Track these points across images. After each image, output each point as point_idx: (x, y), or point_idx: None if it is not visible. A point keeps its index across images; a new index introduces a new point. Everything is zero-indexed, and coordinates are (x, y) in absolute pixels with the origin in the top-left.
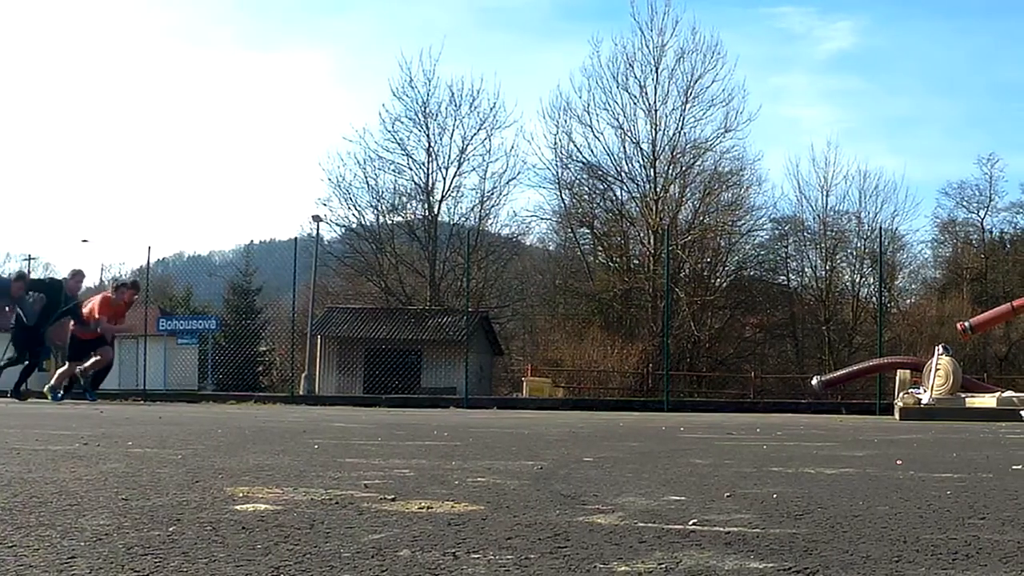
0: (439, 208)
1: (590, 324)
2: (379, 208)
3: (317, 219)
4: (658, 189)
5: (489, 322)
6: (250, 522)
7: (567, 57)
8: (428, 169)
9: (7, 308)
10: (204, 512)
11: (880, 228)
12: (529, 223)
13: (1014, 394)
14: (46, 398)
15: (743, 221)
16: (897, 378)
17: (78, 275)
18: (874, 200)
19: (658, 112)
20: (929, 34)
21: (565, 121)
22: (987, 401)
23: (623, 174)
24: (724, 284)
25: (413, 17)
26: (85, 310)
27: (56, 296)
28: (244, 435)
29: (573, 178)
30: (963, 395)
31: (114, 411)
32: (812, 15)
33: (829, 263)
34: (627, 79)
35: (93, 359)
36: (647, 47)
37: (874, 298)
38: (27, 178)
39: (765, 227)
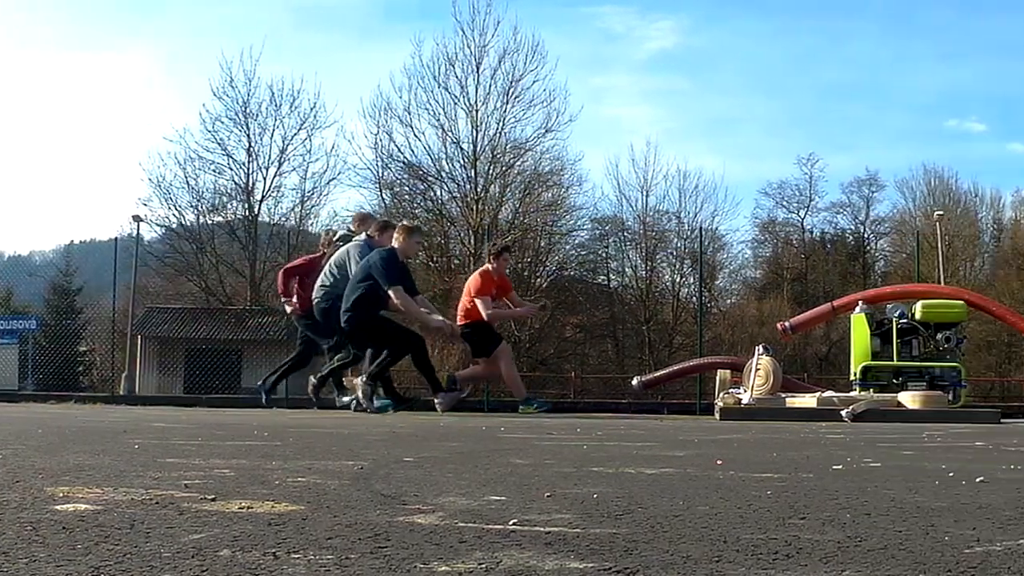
0: (259, 208)
1: (411, 324)
2: (199, 208)
3: (137, 219)
4: (478, 189)
5: None
6: (70, 522)
7: (388, 57)
8: (248, 169)
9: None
10: (24, 512)
11: (700, 228)
12: (350, 223)
13: (834, 394)
14: (527, 411)
15: (563, 221)
16: (717, 378)
17: (387, 226)
18: (694, 200)
19: (479, 112)
20: (750, 34)
21: (386, 121)
22: (807, 401)
23: (444, 174)
24: (544, 284)
25: (233, 17)
26: (464, 294)
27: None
28: (64, 435)
29: (394, 178)
30: (783, 395)
31: None
32: (632, 15)
33: (649, 263)
34: (448, 79)
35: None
36: (468, 47)
37: (694, 298)
38: None
39: (585, 227)
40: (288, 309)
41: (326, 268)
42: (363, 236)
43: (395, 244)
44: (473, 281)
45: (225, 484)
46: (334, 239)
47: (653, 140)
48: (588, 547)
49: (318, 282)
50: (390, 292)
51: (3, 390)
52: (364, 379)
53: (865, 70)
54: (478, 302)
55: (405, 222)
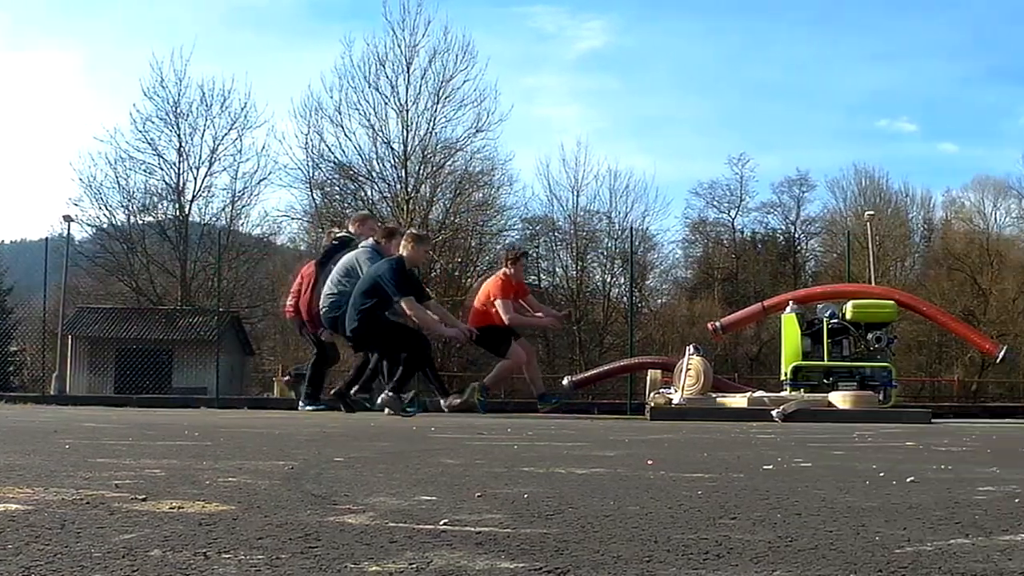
0: (190, 208)
1: None
2: (130, 208)
3: (68, 219)
4: (409, 189)
5: (240, 322)
6: (1, 522)
7: (319, 57)
8: (179, 169)
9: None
10: None
11: (631, 228)
12: (280, 223)
13: (765, 394)
14: (476, 398)
15: (494, 221)
16: (648, 378)
17: (394, 233)
18: (625, 200)
19: (409, 112)
20: (680, 34)
21: (316, 121)
22: (738, 401)
23: (374, 174)
24: (475, 284)
25: (164, 17)
26: (479, 297)
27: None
28: None
29: (324, 178)
30: (714, 395)
31: None
32: (563, 14)
33: (580, 263)
34: (379, 79)
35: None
36: (399, 47)
37: (625, 298)
38: None
39: (516, 227)
40: (324, 337)
41: (333, 275)
42: (371, 241)
43: (402, 252)
44: (492, 285)
45: (156, 484)
46: (333, 240)
47: (584, 140)
48: (519, 547)
49: (325, 290)
50: (402, 303)
51: None
52: (388, 394)
53: (796, 70)
54: (499, 305)
55: (413, 230)
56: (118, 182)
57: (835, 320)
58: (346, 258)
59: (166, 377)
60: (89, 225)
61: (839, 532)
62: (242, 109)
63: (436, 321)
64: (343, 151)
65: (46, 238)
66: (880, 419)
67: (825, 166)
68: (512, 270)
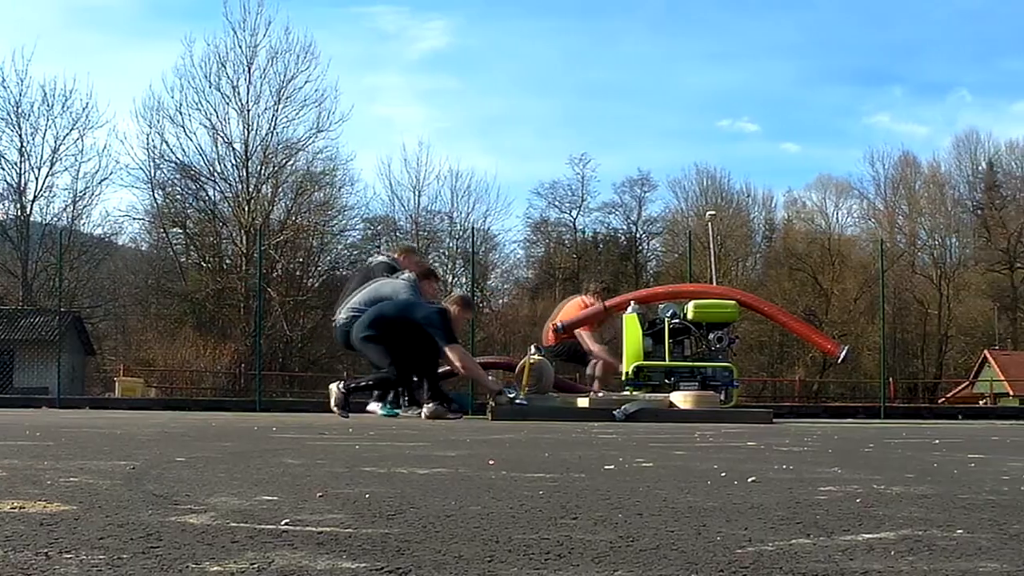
0: (31, 208)
1: (182, 324)
2: None
3: None
4: (250, 189)
5: (82, 322)
6: None
7: (160, 57)
8: (20, 169)
9: None
10: None
11: (472, 228)
12: (122, 223)
13: (607, 394)
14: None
15: (336, 221)
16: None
17: (430, 272)
18: (466, 200)
19: (251, 112)
20: (523, 34)
21: (158, 121)
22: (580, 401)
23: (215, 174)
24: (317, 284)
25: (4, 16)
26: (560, 316)
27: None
28: None
29: (166, 178)
30: (556, 395)
31: None
32: (405, 14)
33: None
34: (219, 79)
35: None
36: (240, 47)
37: None
38: None
39: (358, 227)
40: None
41: (365, 294)
42: (412, 276)
43: (451, 308)
44: (574, 308)
45: None
46: (373, 263)
47: (426, 140)
48: (360, 547)
49: (351, 302)
50: (448, 349)
51: None
52: (429, 406)
53: (638, 70)
54: (586, 337)
55: (461, 293)
56: None
57: (677, 320)
58: (386, 284)
59: (7, 377)
60: None
61: (680, 532)
62: (84, 109)
63: (483, 371)
64: (184, 151)
65: None
66: (722, 419)
67: (667, 166)
68: (593, 301)
